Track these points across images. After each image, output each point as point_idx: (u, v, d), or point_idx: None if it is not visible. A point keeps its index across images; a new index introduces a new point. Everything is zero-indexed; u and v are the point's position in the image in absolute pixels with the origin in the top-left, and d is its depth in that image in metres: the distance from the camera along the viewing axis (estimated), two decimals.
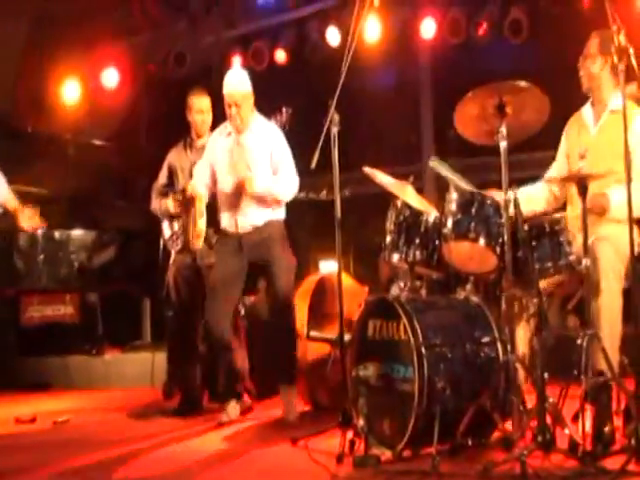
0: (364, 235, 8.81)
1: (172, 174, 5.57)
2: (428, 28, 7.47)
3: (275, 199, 4.93)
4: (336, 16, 7.61)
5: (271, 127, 5.02)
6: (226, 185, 4.98)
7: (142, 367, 6.42)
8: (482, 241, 3.85)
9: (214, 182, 5.07)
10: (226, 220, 5.01)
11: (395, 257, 4.17)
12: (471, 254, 3.94)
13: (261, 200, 4.90)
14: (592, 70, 4.09)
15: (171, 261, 5.51)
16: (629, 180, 3.42)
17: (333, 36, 7.65)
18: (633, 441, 3.31)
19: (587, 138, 4.12)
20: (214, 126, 5.56)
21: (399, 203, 4.21)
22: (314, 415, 4.90)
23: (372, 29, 7.35)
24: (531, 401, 3.69)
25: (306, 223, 7.69)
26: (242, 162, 4.92)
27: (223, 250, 5.04)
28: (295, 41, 7.96)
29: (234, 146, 4.98)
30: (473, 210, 3.88)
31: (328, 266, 7.03)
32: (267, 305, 5.07)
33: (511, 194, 3.68)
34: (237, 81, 4.95)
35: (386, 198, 5.85)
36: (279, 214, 5.03)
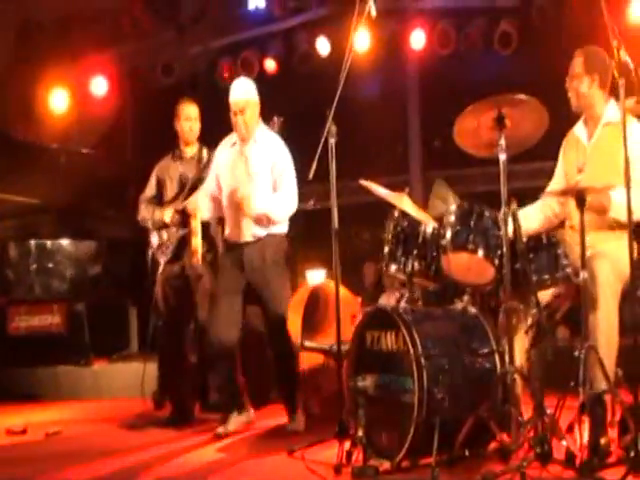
0: (350, 244, 8.84)
1: (160, 185, 5.56)
2: (417, 39, 7.52)
3: (272, 220, 4.91)
4: (325, 26, 7.66)
5: (275, 139, 5.02)
6: (228, 196, 4.98)
7: (131, 377, 6.37)
8: (481, 252, 3.87)
9: (220, 192, 5.06)
10: (229, 229, 5.01)
11: (393, 268, 4.19)
12: (469, 265, 3.96)
13: (258, 220, 4.89)
14: (580, 90, 4.11)
15: (159, 271, 5.49)
16: (629, 187, 3.46)
17: (323, 46, 7.68)
18: (632, 453, 3.33)
19: (583, 153, 4.16)
20: (202, 136, 5.58)
21: (396, 214, 4.23)
22: (308, 425, 4.89)
23: (361, 40, 7.38)
24: (528, 412, 3.72)
25: (292, 233, 7.71)
26: (244, 174, 4.92)
27: (225, 262, 5.04)
28: (284, 51, 7.99)
29: (237, 157, 4.99)
30: (472, 222, 3.90)
31: (316, 276, 7.04)
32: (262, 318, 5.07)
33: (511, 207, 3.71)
34: (243, 89, 4.96)
35: (369, 208, 5.89)
36: (282, 227, 5.01)
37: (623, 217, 3.71)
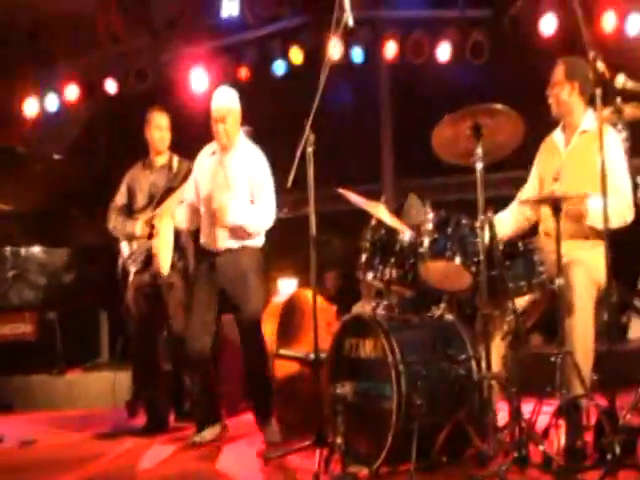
0: (321, 252, 8.85)
1: (131, 194, 5.55)
2: (390, 49, 7.56)
3: (247, 233, 4.90)
4: (299, 35, 7.68)
5: (255, 150, 5.02)
6: (205, 204, 4.98)
7: (105, 386, 6.34)
8: (458, 260, 3.91)
9: (199, 200, 5.06)
10: (204, 238, 5.00)
11: (370, 275, 4.22)
12: (447, 273, 4.00)
13: (233, 232, 4.88)
14: (561, 97, 4.21)
15: (130, 280, 5.47)
16: (605, 194, 3.52)
17: (296, 55, 7.71)
18: (609, 456, 3.39)
19: (559, 161, 4.24)
20: (173, 146, 5.58)
21: (374, 222, 4.26)
22: (284, 434, 4.89)
23: (334, 48, 7.41)
24: (506, 417, 3.76)
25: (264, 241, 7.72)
26: (222, 183, 4.91)
27: (200, 270, 5.03)
28: (258, 59, 8.00)
29: (216, 166, 4.98)
30: (449, 230, 3.94)
31: (288, 285, 7.04)
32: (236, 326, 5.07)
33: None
34: (225, 97, 4.96)
35: (341, 216, 5.91)
36: (257, 241, 4.99)
37: (600, 225, 3.78)
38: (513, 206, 4.49)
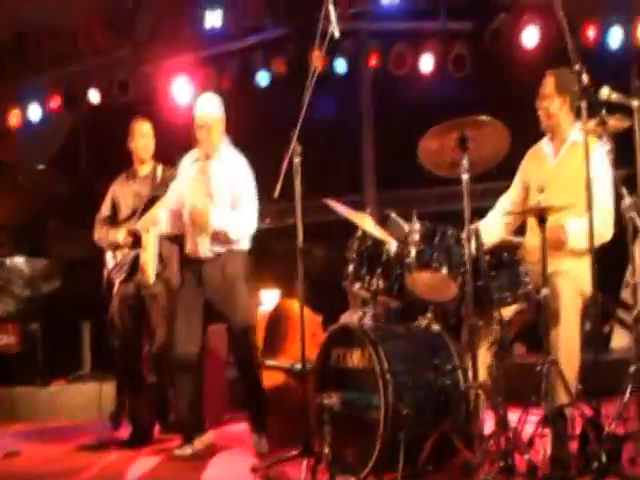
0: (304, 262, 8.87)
1: (115, 205, 5.55)
2: (373, 60, 7.61)
3: (229, 238, 4.88)
4: (282, 46, 7.72)
5: (238, 158, 5.02)
6: (188, 211, 4.97)
7: (88, 398, 6.32)
8: (444, 270, 3.95)
9: (181, 207, 5.04)
10: (188, 245, 4.99)
11: (357, 286, 4.24)
12: (433, 283, 4.03)
13: (215, 237, 4.87)
14: (550, 110, 4.24)
15: (114, 291, 5.46)
16: (590, 208, 3.56)
17: (279, 65, 7.74)
18: (594, 465, 3.42)
19: (547, 171, 4.28)
20: (156, 155, 5.58)
21: (360, 233, 4.29)
22: (271, 444, 4.88)
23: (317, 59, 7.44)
24: (491, 427, 3.79)
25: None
26: (204, 190, 4.92)
27: (185, 278, 5.02)
28: (241, 69, 8.03)
29: (198, 174, 4.98)
30: (436, 240, 3.98)
31: (270, 295, 7.05)
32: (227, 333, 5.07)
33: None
34: (209, 104, 4.96)
35: (319, 227, 5.92)
36: (242, 244, 4.98)
37: (581, 245, 3.83)
38: (493, 214, 4.53)
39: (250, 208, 4.92)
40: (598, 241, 3.87)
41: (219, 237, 4.87)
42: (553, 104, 4.23)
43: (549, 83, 4.25)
